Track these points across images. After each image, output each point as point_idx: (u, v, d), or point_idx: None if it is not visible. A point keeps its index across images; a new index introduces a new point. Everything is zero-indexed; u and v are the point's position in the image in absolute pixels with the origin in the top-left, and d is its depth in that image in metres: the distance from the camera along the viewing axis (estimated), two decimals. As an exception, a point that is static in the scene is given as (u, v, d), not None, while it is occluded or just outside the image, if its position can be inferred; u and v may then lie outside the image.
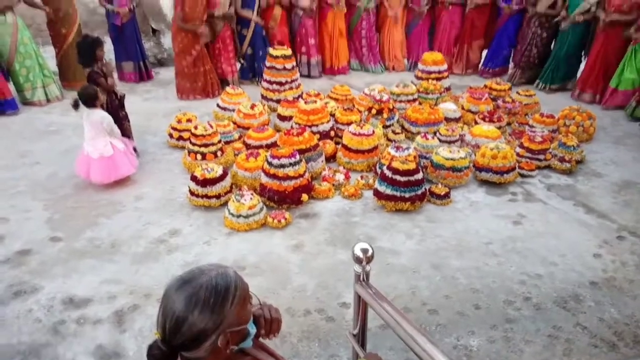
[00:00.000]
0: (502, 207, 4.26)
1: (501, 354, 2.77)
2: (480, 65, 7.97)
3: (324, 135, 5.12)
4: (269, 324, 1.37)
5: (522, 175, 4.72)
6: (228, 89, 5.96)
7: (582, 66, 7.13)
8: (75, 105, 4.16)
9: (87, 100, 4.23)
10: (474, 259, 3.58)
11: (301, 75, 7.20)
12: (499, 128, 5.29)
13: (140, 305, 3.11)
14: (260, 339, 1.39)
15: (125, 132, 4.73)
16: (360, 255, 1.61)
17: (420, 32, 7.88)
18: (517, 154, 4.83)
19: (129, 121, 4.90)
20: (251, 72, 7.36)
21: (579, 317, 3.03)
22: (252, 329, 1.26)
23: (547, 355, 2.76)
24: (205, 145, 4.61)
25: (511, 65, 7.80)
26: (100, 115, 4.28)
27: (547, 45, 7.21)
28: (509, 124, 5.69)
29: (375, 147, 4.84)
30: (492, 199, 4.40)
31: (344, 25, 7.68)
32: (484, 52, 8.02)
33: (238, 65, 7.30)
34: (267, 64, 6.15)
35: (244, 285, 1.23)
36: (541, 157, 4.84)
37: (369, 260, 1.64)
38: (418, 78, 6.52)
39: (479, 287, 3.30)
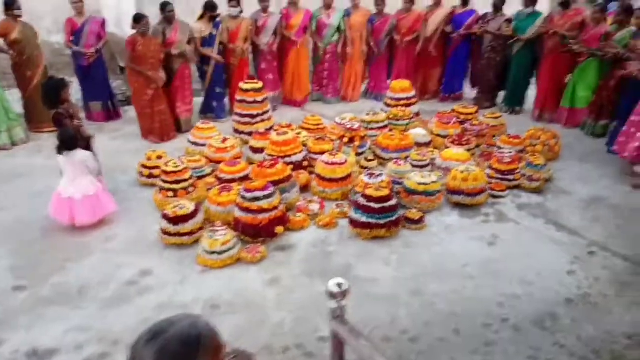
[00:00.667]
0: (476, 229, 4.30)
1: (483, 379, 2.74)
2: (439, 92, 8.16)
3: (297, 166, 5.11)
4: None
5: (494, 196, 4.79)
6: (199, 124, 5.94)
7: (532, 87, 7.38)
8: (60, 150, 4.15)
9: (68, 142, 4.19)
10: (452, 283, 3.58)
11: None
12: (468, 151, 5.39)
13: (109, 353, 2.98)
14: None
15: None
16: (335, 290, 1.58)
17: (380, 64, 8.02)
18: (487, 176, 4.91)
19: (98, 161, 4.80)
20: (207, 109, 7.21)
21: (557, 336, 3.03)
22: None
23: (529, 377, 2.74)
24: (177, 182, 4.55)
25: (469, 88, 8.07)
26: (84, 155, 4.24)
27: (502, 69, 7.43)
28: (477, 146, 5.80)
29: (349, 175, 4.86)
30: (466, 221, 4.44)
31: (307, 59, 7.77)
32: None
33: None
34: (238, 97, 6.18)
35: (217, 335, 1.19)
36: (510, 177, 4.93)
37: (344, 295, 1.60)
38: (387, 105, 6.62)
39: (458, 311, 3.28)
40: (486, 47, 7.40)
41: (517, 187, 4.96)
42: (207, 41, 6.77)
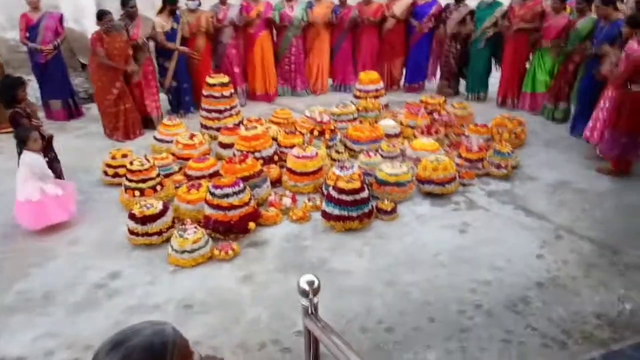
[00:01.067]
0: (447, 218, 4.34)
1: (459, 365, 2.77)
2: (402, 81, 8.26)
3: (268, 160, 5.05)
4: None
5: (463, 185, 4.85)
6: (165, 120, 5.79)
7: (494, 75, 7.57)
8: (19, 150, 4.03)
9: (18, 142, 4.07)
10: (425, 272, 3.60)
11: None
12: (437, 140, 5.44)
13: (81, 359, 2.88)
14: None
15: (56, 174, 4.47)
16: (307, 288, 1.56)
17: (344, 54, 7.99)
18: (457, 164, 4.96)
19: (59, 162, 4.64)
20: (176, 105, 7.06)
21: (529, 319, 3.09)
22: None
23: (503, 361, 2.79)
24: (143, 181, 4.42)
25: (432, 78, 8.19)
26: (31, 158, 4.05)
27: (463, 57, 7.59)
28: (446, 135, 5.86)
29: (320, 169, 4.83)
30: (437, 210, 4.48)
31: (271, 52, 7.63)
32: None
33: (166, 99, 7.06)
34: (205, 92, 6.05)
35: (184, 342, 1.13)
36: (479, 165, 5.00)
37: (316, 292, 1.58)
38: (356, 97, 6.62)
39: (431, 299, 3.31)
40: (446, 40, 7.54)
41: (486, 174, 5.04)
42: (170, 36, 6.60)
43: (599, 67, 5.27)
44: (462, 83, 7.86)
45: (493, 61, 7.48)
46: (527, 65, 7.00)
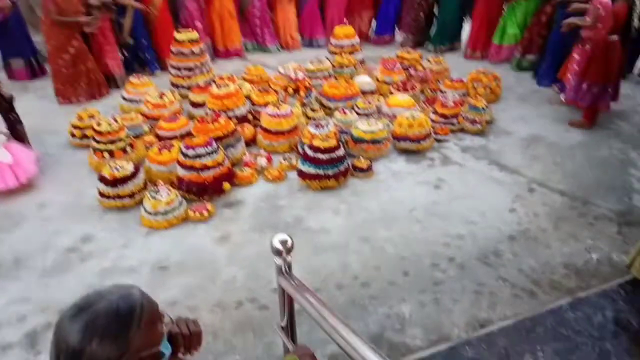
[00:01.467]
0: (422, 174, 4.36)
1: (432, 316, 2.84)
2: (370, 34, 8.15)
3: (241, 120, 4.95)
4: (188, 339, 1.25)
5: (438, 141, 4.86)
6: (132, 78, 5.57)
7: (465, 27, 7.68)
8: None
9: None
10: (400, 227, 3.64)
11: None
12: (413, 96, 5.39)
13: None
14: (182, 356, 1.27)
15: (19, 137, 4.30)
16: (280, 247, 1.53)
17: (311, 8, 7.79)
18: (432, 120, 4.95)
19: (21, 124, 4.45)
20: (137, 63, 6.74)
21: (500, 271, 3.17)
22: (167, 350, 1.14)
23: (475, 311, 2.87)
24: (112, 142, 4.29)
25: (398, 31, 8.15)
26: None
27: (431, 9, 7.65)
28: (422, 91, 5.82)
29: (295, 127, 4.75)
30: (413, 166, 4.49)
31: (232, 5, 7.32)
32: (374, 22, 8.25)
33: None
34: (173, 49, 5.82)
35: (152, 305, 1.10)
36: (454, 121, 5.00)
37: (289, 250, 1.56)
38: (332, 53, 6.48)
39: (406, 254, 3.36)
40: None
41: (461, 130, 5.05)
42: None
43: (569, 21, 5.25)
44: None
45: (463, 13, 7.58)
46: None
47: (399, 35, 8.17)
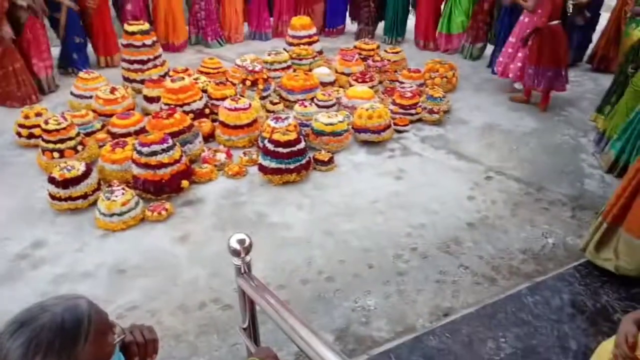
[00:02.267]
0: (383, 165, 4.39)
1: (397, 307, 2.87)
2: (323, 27, 8.12)
3: (199, 114, 4.82)
4: (143, 348, 1.19)
5: (398, 131, 4.89)
6: (82, 73, 5.31)
7: (411, 18, 7.79)
8: None
9: None
10: (363, 220, 3.65)
11: None
12: (372, 88, 5.40)
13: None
14: None
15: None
16: (237, 247, 1.49)
17: (259, 1, 7.63)
18: (391, 111, 4.97)
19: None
20: (66, 62, 6.31)
21: (461, 259, 3.23)
22: None
23: (438, 300, 2.91)
24: (62, 141, 4.08)
25: (350, 22, 8.19)
26: None
27: (382, 1, 7.69)
28: (380, 82, 5.84)
29: (255, 121, 4.67)
30: (373, 158, 4.51)
31: None
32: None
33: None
34: (124, 41, 5.60)
35: (101, 316, 1.03)
36: (412, 111, 5.05)
37: (248, 250, 1.52)
38: (289, 44, 6.40)
39: (369, 246, 3.37)
40: None
41: (419, 120, 5.10)
42: None
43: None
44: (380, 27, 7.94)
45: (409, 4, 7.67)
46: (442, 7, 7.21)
47: (351, 26, 8.16)
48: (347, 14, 8.14)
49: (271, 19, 7.91)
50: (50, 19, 6.08)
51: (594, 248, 3.03)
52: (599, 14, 6.18)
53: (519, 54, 5.40)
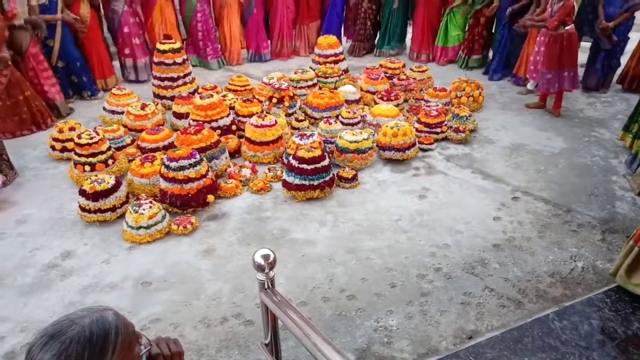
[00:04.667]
0: (407, 183, 4.36)
1: (419, 328, 2.82)
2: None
3: (225, 130, 4.91)
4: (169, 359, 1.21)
5: (423, 150, 4.87)
6: (114, 90, 5.49)
7: (409, 30, 8.00)
8: None
9: None
10: (386, 238, 3.62)
11: (128, 81, 6.68)
12: (397, 106, 5.41)
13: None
14: None
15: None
16: (262, 262, 1.50)
17: (255, 21, 7.60)
18: (416, 130, 4.96)
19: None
20: (71, 89, 6.14)
21: (486, 281, 3.17)
22: None
23: (462, 322, 2.86)
24: (93, 155, 4.21)
25: (345, 40, 8.29)
26: None
27: (376, 17, 7.93)
28: (405, 100, 5.85)
29: (280, 137, 4.73)
30: (398, 176, 4.50)
31: (174, 18, 7.04)
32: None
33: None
34: (155, 59, 5.76)
35: (128, 328, 1.06)
36: (438, 130, 5.02)
37: (272, 266, 1.53)
38: (315, 62, 6.49)
39: (392, 265, 3.34)
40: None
41: (445, 139, 5.07)
42: (48, 9, 5.56)
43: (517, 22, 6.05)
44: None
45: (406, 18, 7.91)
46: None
47: (346, 43, 8.24)
48: (342, 31, 8.18)
49: (268, 40, 7.90)
50: (43, 47, 5.71)
51: (624, 273, 2.93)
52: (628, 38, 6.09)
53: (537, 57, 5.69)
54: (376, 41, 8.16)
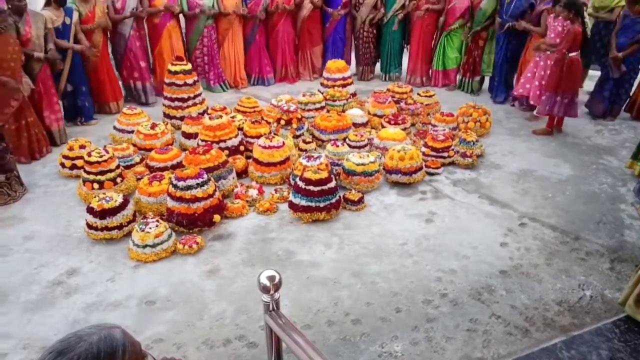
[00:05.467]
0: (414, 207, 4.36)
1: (425, 355, 2.78)
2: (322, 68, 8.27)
3: (234, 151, 4.95)
4: None
5: (429, 174, 4.87)
6: (125, 109, 5.57)
7: (405, 53, 8.22)
8: None
9: None
10: (392, 262, 3.60)
11: (138, 103, 6.69)
12: (404, 130, 5.44)
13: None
14: None
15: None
16: (267, 283, 1.50)
17: (258, 46, 7.71)
18: (423, 154, 4.98)
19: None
20: (75, 113, 6.13)
21: (493, 308, 3.13)
22: None
23: (468, 350, 2.81)
24: (102, 173, 4.25)
25: (354, 63, 8.52)
26: None
27: (378, 41, 8.13)
28: (412, 124, 5.88)
29: (287, 159, 4.76)
30: (404, 199, 4.49)
31: (181, 43, 7.13)
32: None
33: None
34: (167, 80, 5.86)
35: (135, 346, 1.06)
36: (445, 154, 5.04)
37: (277, 287, 1.53)
38: (324, 86, 6.56)
39: (398, 289, 3.31)
40: (361, 25, 7.87)
41: (452, 163, 5.08)
42: (61, 33, 5.59)
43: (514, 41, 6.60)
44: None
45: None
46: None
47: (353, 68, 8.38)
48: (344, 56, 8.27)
49: (272, 65, 8.00)
50: (52, 71, 5.61)
51: (634, 302, 2.89)
52: (639, 69, 6.14)
53: (535, 82, 6.05)
54: (378, 65, 8.32)
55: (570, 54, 5.42)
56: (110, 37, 6.59)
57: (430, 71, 7.92)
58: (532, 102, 6.19)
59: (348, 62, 8.14)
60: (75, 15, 5.70)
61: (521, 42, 6.70)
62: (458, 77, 7.64)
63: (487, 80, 7.52)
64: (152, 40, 6.98)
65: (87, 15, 5.96)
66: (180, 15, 7.12)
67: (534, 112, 6.24)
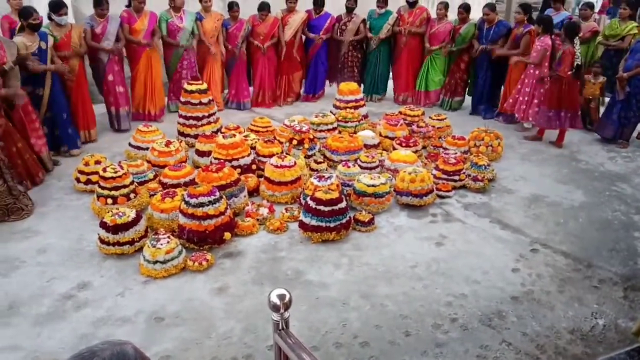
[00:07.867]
0: (424, 230, 4.34)
1: (434, 380, 2.75)
2: (301, 92, 8.30)
3: (246, 169, 4.99)
4: None
5: (440, 197, 4.87)
6: (140, 126, 5.66)
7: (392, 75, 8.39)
8: None
9: None
10: (401, 284, 3.58)
11: (113, 130, 6.51)
12: (416, 152, 5.46)
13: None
14: None
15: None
16: (277, 302, 1.51)
17: (238, 71, 7.67)
18: (434, 176, 4.98)
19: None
20: (57, 140, 5.68)
21: (503, 334, 3.09)
22: None
23: (478, 376, 2.77)
24: (116, 188, 4.31)
25: (333, 84, 8.45)
26: None
27: (362, 64, 8.24)
28: (424, 147, 5.90)
29: (298, 178, 4.79)
30: (414, 221, 4.48)
31: (159, 68, 6.95)
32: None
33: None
34: (182, 99, 5.97)
35: None
36: (456, 177, 5.03)
37: (287, 306, 1.53)
38: (336, 107, 6.63)
39: (407, 313, 3.28)
40: (345, 48, 7.98)
41: (463, 187, 5.07)
42: (37, 57, 5.20)
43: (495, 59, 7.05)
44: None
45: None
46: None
47: (329, 89, 8.38)
48: (326, 78, 8.33)
49: (250, 88, 7.95)
50: (32, 97, 5.18)
51: (648, 333, 2.84)
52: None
53: (525, 98, 6.59)
54: (362, 88, 8.08)
55: (553, 73, 6.02)
56: (90, 62, 6.36)
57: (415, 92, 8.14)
58: (517, 117, 6.79)
59: (334, 81, 8.30)
60: (50, 40, 5.36)
61: (504, 62, 7.08)
62: (440, 96, 7.97)
63: (468, 98, 7.92)
64: (131, 65, 6.83)
65: (63, 39, 5.64)
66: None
67: (525, 125, 6.82)
